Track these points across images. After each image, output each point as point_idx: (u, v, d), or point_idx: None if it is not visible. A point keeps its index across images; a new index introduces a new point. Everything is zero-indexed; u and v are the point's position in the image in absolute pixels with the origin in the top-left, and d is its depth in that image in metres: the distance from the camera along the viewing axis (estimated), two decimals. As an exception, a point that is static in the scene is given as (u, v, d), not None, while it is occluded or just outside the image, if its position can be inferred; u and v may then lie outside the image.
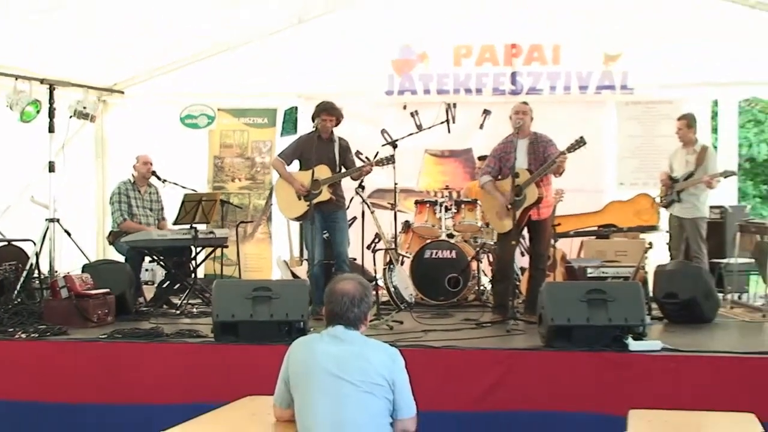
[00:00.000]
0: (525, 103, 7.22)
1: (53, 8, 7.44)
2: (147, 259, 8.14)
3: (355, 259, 7.91)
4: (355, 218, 7.90)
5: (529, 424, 5.23)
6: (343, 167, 7.31)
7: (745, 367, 5.18)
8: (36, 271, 7.31)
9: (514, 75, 9.62)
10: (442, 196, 8.54)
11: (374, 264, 7.82)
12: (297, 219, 7.55)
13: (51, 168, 7.59)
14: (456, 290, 8.06)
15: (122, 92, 10.23)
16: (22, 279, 7.17)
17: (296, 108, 10.30)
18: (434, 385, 5.21)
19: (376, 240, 8.39)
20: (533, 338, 5.80)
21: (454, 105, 9.72)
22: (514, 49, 9.61)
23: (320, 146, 7.23)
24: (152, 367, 5.73)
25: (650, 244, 7.87)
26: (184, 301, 7.59)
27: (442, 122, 9.21)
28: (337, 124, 7.37)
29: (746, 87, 9.47)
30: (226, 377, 5.49)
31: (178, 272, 8.00)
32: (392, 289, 7.35)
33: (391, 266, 7.49)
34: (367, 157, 8.50)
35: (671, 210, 8.11)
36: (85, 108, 8.35)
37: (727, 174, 7.88)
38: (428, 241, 8.30)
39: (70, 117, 8.22)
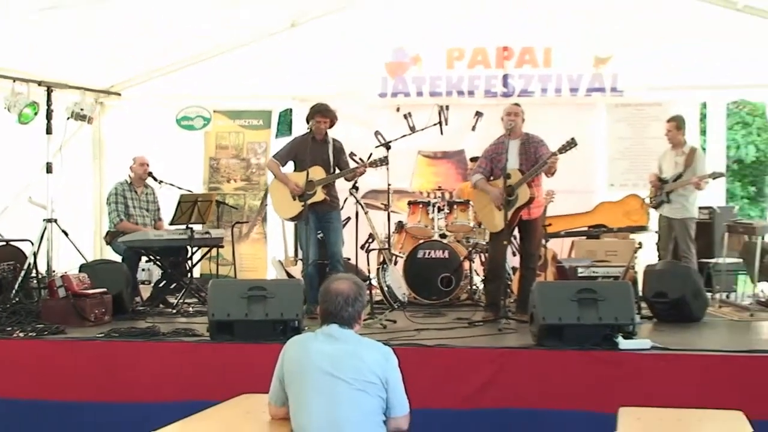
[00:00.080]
0: (517, 104, 7.25)
1: (52, 7, 7.41)
2: (143, 258, 8.16)
3: (349, 259, 7.95)
4: (349, 219, 7.95)
5: (521, 422, 5.25)
6: (337, 168, 7.34)
7: (733, 365, 5.20)
8: (34, 271, 7.31)
9: (505, 77, 9.64)
10: (435, 197, 8.56)
11: (368, 264, 7.84)
12: (292, 219, 7.60)
13: (49, 169, 7.61)
14: (448, 290, 8.10)
15: (119, 94, 10.23)
16: (20, 278, 7.20)
17: (291, 110, 10.32)
18: (427, 383, 5.24)
19: (370, 240, 8.43)
20: (525, 337, 5.82)
21: (447, 107, 9.77)
22: (506, 52, 9.64)
23: (314, 148, 7.25)
24: (149, 366, 5.75)
25: (640, 244, 7.90)
26: (181, 301, 7.61)
27: (434, 124, 9.28)
28: (331, 126, 7.41)
29: (734, 90, 9.53)
30: (222, 376, 5.50)
31: (174, 272, 8.01)
32: (386, 289, 7.37)
33: (385, 266, 7.52)
34: (360, 159, 8.60)
35: (661, 210, 8.14)
36: (82, 110, 8.34)
37: (715, 175, 7.91)
38: (421, 241, 8.34)
39: (68, 118, 8.21)
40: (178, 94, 10.18)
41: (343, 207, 7.71)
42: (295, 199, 7.28)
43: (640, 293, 7.29)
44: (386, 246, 7.91)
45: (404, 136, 8.48)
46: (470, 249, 8.27)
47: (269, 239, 10.14)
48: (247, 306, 5.83)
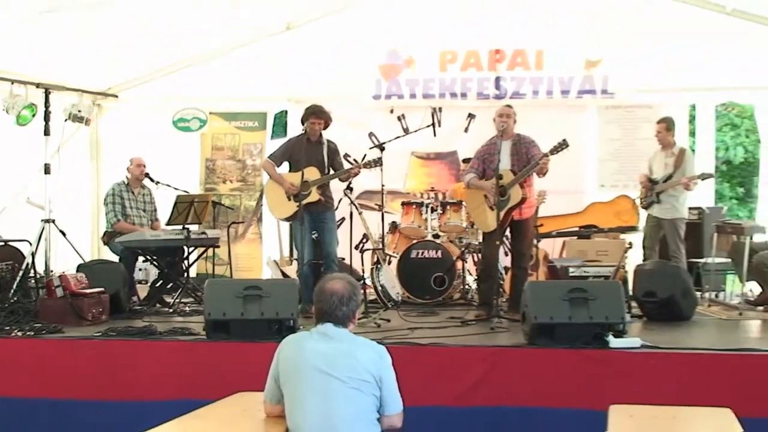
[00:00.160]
0: (509, 106, 7.29)
1: (50, 11, 7.43)
2: (140, 258, 8.18)
3: (343, 259, 7.94)
4: (343, 219, 7.97)
5: (513, 420, 5.29)
6: (331, 169, 7.37)
7: (722, 363, 5.24)
8: (32, 271, 7.32)
9: (498, 80, 9.69)
10: (428, 198, 8.58)
11: (362, 263, 7.88)
12: (287, 219, 7.62)
13: (46, 170, 7.65)
14: (441, 289, 8.14)
15: (116, 96, 10.25)
16: (18, 278, 7.20)
17: (286, 112, 10.35)
18: (420, 381, 5.27)
19: (364, 240, 8.47)
20: (517, 336, 5.86)
21: (440, 109, 9.80)
22: (498, 55, 9.68)
23: (309, 149, 7.29)
24: (145, 365, 5.77)
25: (630, 244, 7.94)
26: (177, 300, 7.64)
27: (428, 126, 9.24)
28: (325, 128, 7.43)
29: (723, 92, 9.59)
30: (218, 374, 5.51)
31: (170, 272, 8.04)
32: (379, 288, 7.42)
33: (379, 266, 7.55)
34: (355, 160, 8.65)
35: (651, 211, 8.15)
36: (80, 111, 8.34)
37: (704, 176, 7.93)
38: (414, 241, 8.38)
39: (66, 120, 8.22)
40: (175, 96, 10.20)
41: (337, 207, 7.72)
42: (290, 200, 7.31)
43: (631, 292, 7.33)
44: (380, 246, 7.94)
45: (398, 137, 8.54)
46: (463, 249, 8.31)
47: (265, 239, 10.17)
48: (243, 305, 5.85)
